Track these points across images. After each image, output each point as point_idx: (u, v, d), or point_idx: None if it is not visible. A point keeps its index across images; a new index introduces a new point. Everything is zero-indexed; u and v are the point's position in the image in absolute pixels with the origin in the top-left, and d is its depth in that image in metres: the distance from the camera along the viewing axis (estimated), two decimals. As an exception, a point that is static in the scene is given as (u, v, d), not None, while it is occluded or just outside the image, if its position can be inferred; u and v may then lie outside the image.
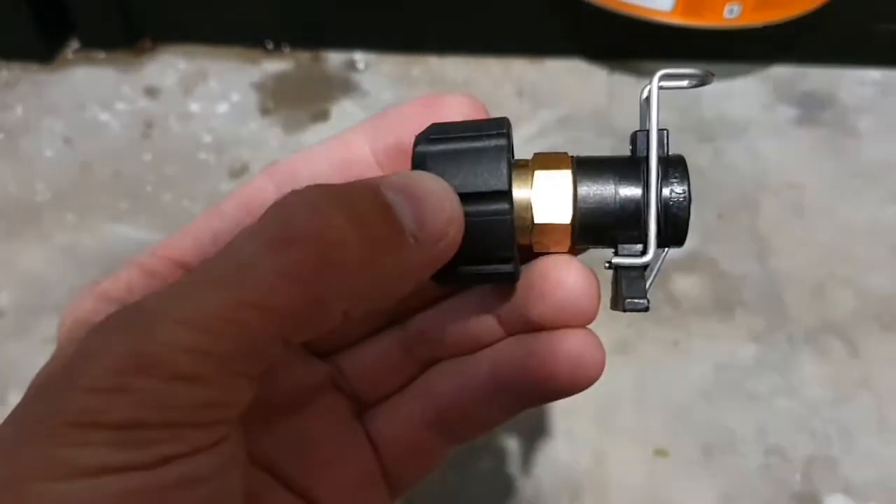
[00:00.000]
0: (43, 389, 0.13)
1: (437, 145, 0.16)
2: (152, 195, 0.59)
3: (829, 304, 0.52)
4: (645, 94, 0.16)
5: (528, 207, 0.16)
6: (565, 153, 0.17)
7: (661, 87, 0.16)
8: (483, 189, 0.16)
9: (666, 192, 0.16)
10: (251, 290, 0.13)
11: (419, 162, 0.16)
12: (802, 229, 0.56)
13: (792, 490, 0.44)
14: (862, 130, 0.63)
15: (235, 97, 0.66)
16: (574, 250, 0.17)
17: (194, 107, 0.65)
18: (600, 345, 0.17)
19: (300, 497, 0.17)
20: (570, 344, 0.16)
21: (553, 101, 0.65)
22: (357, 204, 0.14)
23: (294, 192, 0.14)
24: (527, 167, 0.17)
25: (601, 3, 0.60)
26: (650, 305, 0.16)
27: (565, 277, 0.16)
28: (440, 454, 0.19)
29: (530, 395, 0.17)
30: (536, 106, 0.65)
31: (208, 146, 0.62)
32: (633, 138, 0.17)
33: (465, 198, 0.16)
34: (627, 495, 0.44)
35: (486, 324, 0.18)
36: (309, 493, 0.17)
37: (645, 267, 0.16)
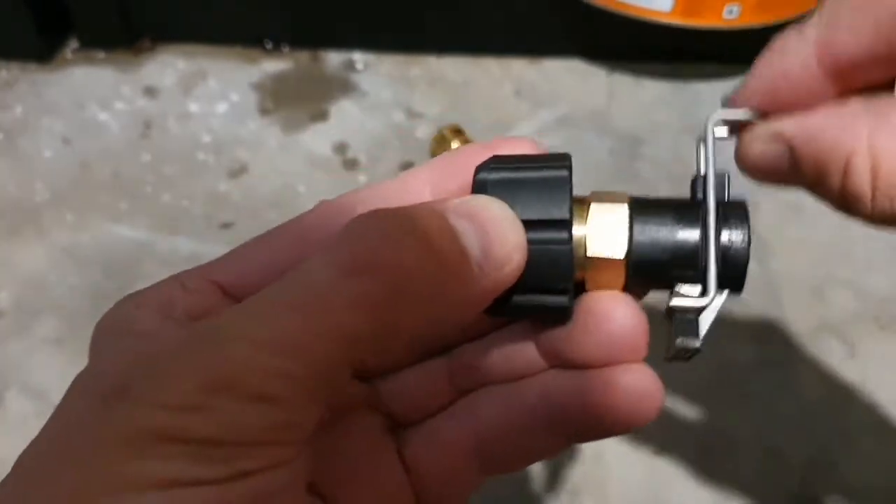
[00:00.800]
0: (109, 400, 0.13)
1: (499, 173, 0.16)
2: (151, 195, 0.59)
3: (827, 304, 0.52)
4: (707, 135, 0.16)
5: (583, 240, 0.16)
6: (623, 192, 0.17)
7: (717, 138, 0.16)
8: (544, 217, 0.15)
9: (725, 235, 0.16)
10: (327, 317, 0.13)
11: (480, 188, 0.16)
12: (801, 230, 0.56)
13: (790, 491, 0.44)
14: (861, 131, 0.63)
15: (234, 97, 0.66)
16: (633, 292, 0.17)
17: (193, 107, 0.65)
18: (658, 380, 0.17)
19: None
20: (629, 379, 0.16)
21: (552, 102, 0.65)
22: (427, 231, 0.14)
23: (365, 218, 0.14)
24: (583, 202, 0.16)
25: (600, 4, 0.60)
26: (702, 348, 0.16)
27: (614, 312, 0.16)
28: (475, 482, 0.18)
29: (585, 430, 0.17)
30: (535, 106, 0.65)
31: (207, 146, 0.62)
32: (693, 182, 0.17)
33: (525, 225, 0.16)
34: (626, 496, 0.44)
35: (532, 357, 0.18)
36: None
37: (700, 311, 0.15)
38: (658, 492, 0.44)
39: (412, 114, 0.64)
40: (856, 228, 0.63)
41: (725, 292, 0.16)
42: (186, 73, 0.68)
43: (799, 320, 0.51)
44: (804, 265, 0.54)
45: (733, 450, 0.46)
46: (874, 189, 0.16)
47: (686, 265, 0.16)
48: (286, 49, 0.70)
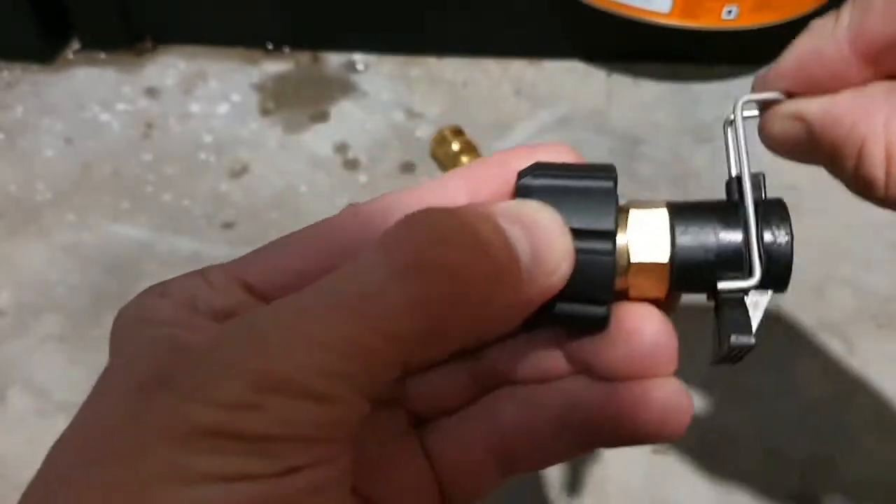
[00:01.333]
0: (151, 395, 0.13)
1: (543, 180, 0.16)
2: (153, 195, 0.59)
3: (827, 303, 0.52)
4: (733, 117, 0.16)
5: (625, 248, 0.16)
6: (661, 199, 0.17)
7: (745, 118, 0.16)
8: (589, 227, 0.15)
9: (768, 234, 0.16)
10: (380, 317, 0.13)
11: (524, 194, 0.16)
12: (800, 229, 0.56)
13: (790, 489, 0.44)
14: (859, 131, 0.64)
15: (235, 98, 0.66)
16: (670, 299, 0.17)
17: (194, 107, 0.65)
18: (688, 395, 0.17)
19: (362, 500, 0.17)
20: (660, 394, 0.16)
21: (551, 102, 0.65)
22: (481, 234, 0.14)
23: (418, 217, 0.14)
24: (622, 210, 0.16)
25: (599, 5, 0.60)
26: (756, 343, 0.15)
27: (644, 326, 0.16)
28: (495, 481, 0.18)
29: (610, 439, 0.17)
30: (535, 106, 0.65)
31: (208, 146, 0.62)
32: (728, 184, 0.17)
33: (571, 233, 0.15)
34: (626, 494, 0.44)
35: (558, 362, 0.18)
36: (367, 497, 0.17)
37: (746, 298, 0.15)
38: (657, 490, 0.44)
39: (412, 114, 0.65)
40: (855, 227, 0.64)
41: (770, 291, 0.16)
42: (187, 74, 0.68)
43: (798, 318, 0.51)
44: (803, 263, 0.54)
45: (733, 448, 0.46)
46: (888, 175, 0.16)
47: (731, 265, 0.16)
48: (287, 50, 0.70)
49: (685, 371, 0.57)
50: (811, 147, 0.18)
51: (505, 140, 0.62)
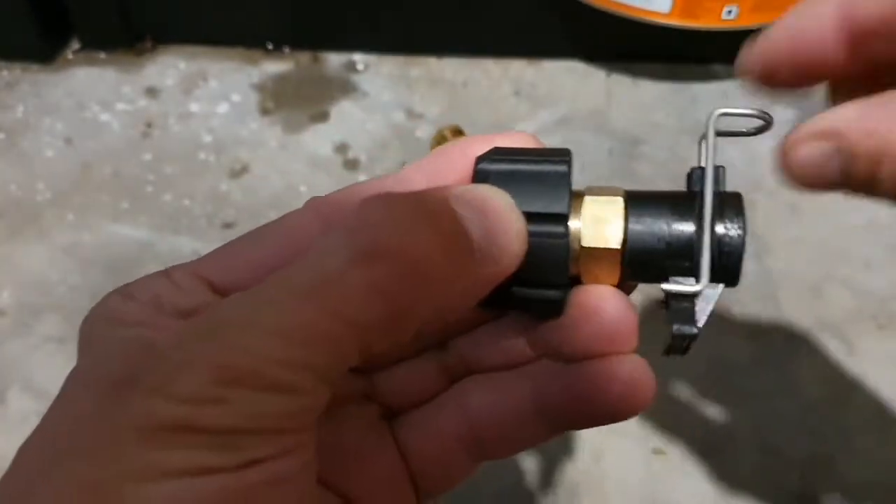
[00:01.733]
0: (117, 393, 0.13)
1: (500, 164, 0.16)
2: (153, 195, 0.59)
3: (825, 303, 0.52)
4: (708, 129, 0.16)
5: (578, 233, 0.16)
6: (619, 187, 0.17)
7: (718, 133, 0.16)
8: (543, 210, 0.16)
9: (720, 227, 0.16)
10: (341, 304, 0.13)
11: (481, 178, 0.16)
12: (799, 229, 0.57)
13: (789, 490, 0.44)
14: (859, 131, 0.64)
15: (235, 97, 0.66)
16: (624, 287, 0.17)
17: (194, 107, 0.65)
18: (649, 369, 0.17)
19: (336, 494, 0.18)
20: (621, 370, 0.16)
21: (551, 102, 0.65)
22: (437, 218, 0.14)
23: (375, 203, 0.14)
24: (579, 196, 0.17)
25: (599, 5, 0.60)
26: (700, 334, 0.15)
27: (604, 304, 0.16)
28: (467, 469, 0.19)
29: (576, 419, 0.17)
30: (534, 107, 0.65)
31: (208, 146, 0.62)
32: (690, 175, 0.17)
33: (524, 217, 0.16)
34: (625, 494, 0.44)
35: (523, 348, 0.18)
36: (339, 490, 0.18)
37: (694, 298, 0.15)
38: (656, 491, 0.44)
39: (412, 114, 0.65)
40: (854, 227, 0.63)
41: (721, 285, 0.16)
42: (187, 74, 0.68)
43: (797, 319, 0.51)
44: (802, 264, 0.54)
45: (732, 448, 0.46)
46: None
47: (681, 256, 0.16)
48: (287, 50, 0.70)
49: (684, 374, 0.56)
50: (844, 167, 0.17)
51: (505, 140, 0.62)
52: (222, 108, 0.65)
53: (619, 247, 0.16)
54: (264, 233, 0.17)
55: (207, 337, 0.13)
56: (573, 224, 0.16)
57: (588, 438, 0.46)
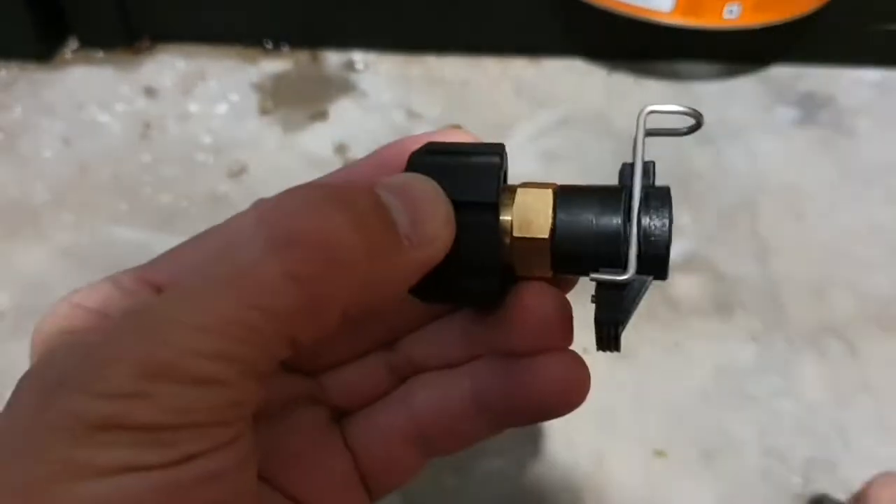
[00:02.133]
0: (49, 394, 0.13)
1: (432, 156, 0.17)
2: (151, 196, 0.59)
3: (828, 305, 0.52)
4: (638, 128, 0.16)
5: (509, 223, 0.16)
6: (553, 182, 0.17)
7: (649, 132, 0.16)
8: (471, 199, 0.16)
9: (646, 220, 0.16)
10: (258, 293, 0.13)
11: (412, 169, 0.16)
12: (801, 231, 0.56)
13: (791, 492, 0.44)
14: (860, 131, 0.64)
15: (234, 97, 0.66)
16: (556, 279, 0.17)
17: (193, 107, 0.65)
18: (584, 366, 0.17)
19: (285, 497, 0.18)
20: (553, 367, 0.16)
21: (552, 102, 0.65)
22: (355, 204, 0.14)
23: (292, 191, 0.14)
24: (512, 189, 0.17)
25: (600, 4, 0.60)
26: (621, 325, 0.15)
27: (538, 302, 0.16)
28: (417, 465, 0.19)
29: (515, 416, 0.17)
30: (535, 106, 0.65)
31: (207, 147, 0.62)
32: (621, 171, 0.17)
33: (454, 207, 0.16)
34: (627, 497, 0.44)
35: (465, 346, 0.18)
36: (290, 493, 0.18)
37: (621, 288, 0.16)
38: (657, 493, 0.44)
39: (412, 114, 0.64)
40: (856, 229, 0.63)
41: (650, 277, 0.16)
42: (186, 74, 0.68)
43: (800, 321, 0.51)
44: (805, 266, 0.54)
45: (734, 450, 0.46)
46: None
47: (608, 247, 0.16)
48: (286, 49, 0.69)
49: (688, 376, 0.56)
50: None
51: (505, 140, 0.62)
52: (221, 108, 0.65)
53: (547, 236, 0.16)
54: (208, 235, 0.18)
55: (132, 333, 0.13)
56: (505, 215, 0.16)
57: (589, 441, 0.46)
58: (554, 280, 0.17)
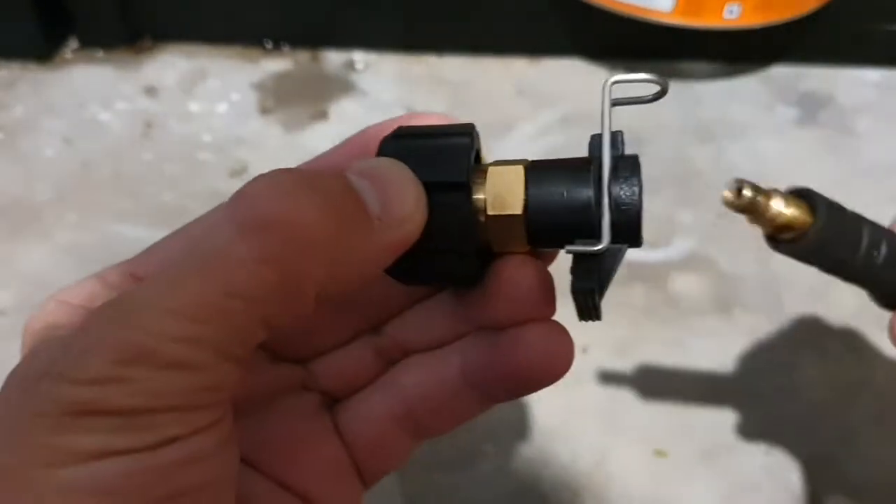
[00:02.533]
0: (30, 384, 0.13)
1: (402, 140, 0.17)
2: (153, 194, 0.59)
3: (828, 304, 0.52)
4: (603, 97, 0.17)
5: (482, 201, 0.16)
6: (524, 159, 0.17)
7: (614, 102, 0.17)
8: (442, 180, 0.16)
9: (617, 189, 0.16)
10: (229, 277, 0.13)
11: (381, 154, 0.17)
12: (802, 229, 0.56)
13: (793, 491, 0.44)
14: (861, 131, 0.64)
15: (235, 96, 0.66)
16: (535, 254, 0.17)
17: (194, 106, 0.65)
18: (566, 334, 0.17)
19: (277, 485, 0.18)
20: (533, 335, 0.17)
21: (553, 101, 0.65)
22: (324, 187, 0.15)
23: (261, 177, 0.15)
24: (485, 168, 0.17)
25: (601, 3, 0.60)
26: (597, 292, 0.16)
27: (518, 275, 0.17)
28: (408, 447, 0.19)
29: (501, 389, 0.17)
30: (536, 106, 0.65)
31: (208, 145, 0.62)
32: (590, 143, 0.17)
33: (427, 189, 0.16)
34: (627, 496, 0.44)
35: (451, 325, 0.18)
36: (281, 480, 0.18)
37: (596, 257, 0.16)
38: (659, 492, 0.44)
39: (413, 113, 0.64)
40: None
41: (625, 246, 0.16)
42: (187, 73, 0.68)
43: (800, 320, 0.51)
44: (805, 265, 0.54)
45: (735, 449, 0.46)
46: None
47: (581, 219, 0.16)
48: (286, 48, 0.70)
49: (688, 374, 0.56)
50: None
51: (506, 139, 0.62)
52: (222, 107, 0.65)
53: (520, 212, 0.16)
54: (190, 226, 0.18)
55: (108, 321, 0.13)
56: (479, 194, 0.17)
57: (590, 440, 0.46)
58: (532, 254, 0.17)
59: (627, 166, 0.16)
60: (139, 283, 0.17)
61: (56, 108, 0.65)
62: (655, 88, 0.17)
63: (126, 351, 0.13)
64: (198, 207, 0.65)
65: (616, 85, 0.17)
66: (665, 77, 0.17)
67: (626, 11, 0.59)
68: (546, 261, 0.18)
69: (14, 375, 0.14)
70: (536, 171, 0.17)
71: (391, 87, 0.66)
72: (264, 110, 0.65)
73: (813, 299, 0.52)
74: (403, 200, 0.15)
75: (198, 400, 0.13)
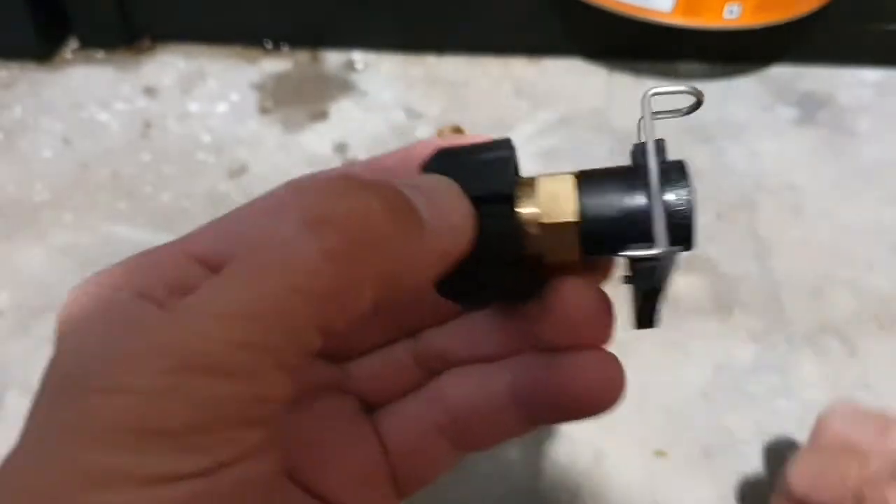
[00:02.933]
0: (74, 392, 0.12)
1: (445, 159, 0.17)
2: (151, 195, 0.59)
3: (827, 304, 0.52)
4: (644, 110, 0.17)
5: (534, 212, 0.16)
6: (570, 172, 0.18)
7: (654, 115, 0.17)
8: (488, 192, 0.16)
9: (668, 195, 0.16)
10: (293, 272, 0.13)
11: (427, 173, 0.17)
12: (801, 230, 0.56)
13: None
14: (860, 131, 0.64)
15: (234, 97, 0.66)
16: (591, 272, 0.17)
17: (193, 106, 0.65)
18: (620, 366, 0.17)
19: (306, 490, 0.17)
20: (590, 363, 0.16)
21: (552, 101, 0.65)
22: (379, 189, 0.15)
23: (319, 177, 0.15)
24: (532, 180, 0.17)
25: (600, 3, 0.60)
26: (661, 296, 0.16)
27: (579, 297, 0.16)
28: (450, 461, 0.18)
29: (549, 413, 0.17)
30: (535, 106, 0.65)
31: (207, 146, 0.62)
32: (633, 152, 0.17)
33: (474, 203, 0.16)
34: (626, 496, 0.44)
35: (499, 339, 0.18)
36: (314, 487, 0.17)
37: (654, 261, 0.16)
38: (657, 492, 0.44)
39: (412, 113, 0.64)
40: (856, 228, 0.63)
41: (678, 248, 0.16)
42: (186, 73, 0.68)
43: (799, 320, 0.51)
44: (804, 265, 0.54)
45: (734, 449, 0.46)
46: None
47: (636, 225, 0.16)
48: (286, 49, 0.70)
49: (687, 374, 0.56)
50: None
51: (505, 139, 0.62)
52: (221, 107, 0.65)
53: (575, 219, 0.16)
54: (245, 207, 0.17)
55: (162, 325, 0.13)
56: (529, 207, 0.17)
57: (589, 440, 0.46)
58: (582, 265, 0.17)
59: (676, 171, 0.16)
60: (202, 266, 0.16)
61: (54, 109, 0.65)
62: (691, 99, 0.18)
63: (182, 358, 0.12)
64: (196, 208, 0.65)
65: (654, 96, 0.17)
66: (697, 89, 0.17)
67: (625, 11, 0.59)
68: (598, 279, 0.18)
69: (51, 377, 0.13)
70: (587, 179, 0.17)
71: (391, 87, 0.66)
72: (264, 110, 0.65)
73: (811, 299, 0.52)
74: (453, 210, 0.15)
75: (252, 413, 0.13)
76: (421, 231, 0.15)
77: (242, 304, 0.13)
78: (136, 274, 0.15)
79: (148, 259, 0.16)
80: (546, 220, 0.16)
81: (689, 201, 0.16)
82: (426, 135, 0.62)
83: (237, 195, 0.58)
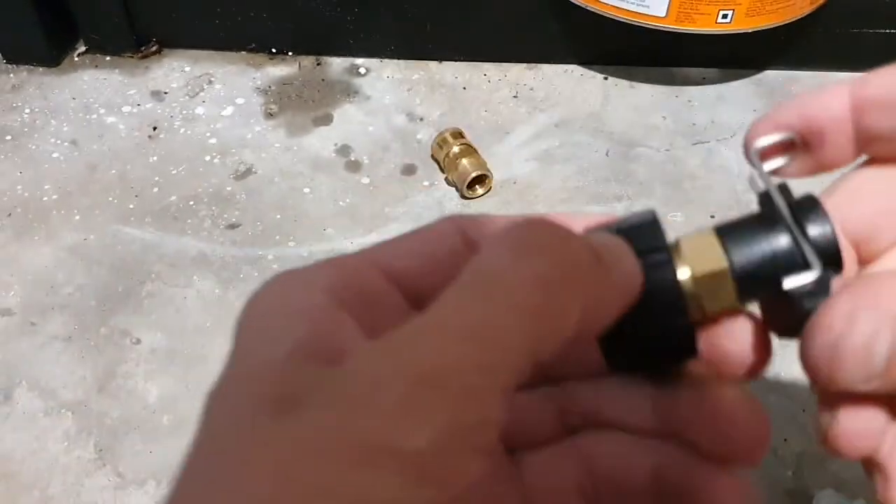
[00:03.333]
0: (294, 406, 0.12)
1: (596, 230, 0.17)
2: (158, 196, 0.60)
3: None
4: (756, 167, 0.18)
5: (687, 269, 0.17)
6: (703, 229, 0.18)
7: (765, 171, 0.18)
8: (645, 247, 0.17)
9: (811, 228, 0.17)
10: (511, 298, 0.13)
11: None
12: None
13: (783, 486, 0.45)
14: (853, 134, 0.65)
15: (240, 101, 0.67)
16: (745, 312, 0.18)
17: (199, 110, 0.66)
18: (756, 496, 0.17)
19: None
20: (731, 489, 0.16)
21: (549, 105, 0.66)
22: (573, 231, 0.15)
23: (525, 216, 0.15)
24: (675, 243, 0.18)
25: (596, 9, 0.61)
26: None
27: (739, 412, 0.16)
28: None
29: None
30: (533, 110, 0.66)
31: (213, 148, 0.63)
32: (760, 201, 0.18)
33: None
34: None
35: (648, 416, 0.18)
36: None
37: (819, 290, 0.17)
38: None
39: (413, 117, 0.66)
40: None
41: (832, 273, 0.17)
42: (192, 78, 0.69)
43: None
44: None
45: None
46: None
47: (786, 262, 0.17)
48: (290, 54, 0.71)
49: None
50: None
51: (503, 143, 0.63)
52: (227, 111, 0.66)
53: (726, 265, 0.17)
54: (427, 228, 0.18)
55: (402, 345, 0.13)
56: (679, 265, 0.17)
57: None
58: (742, 312, 0.18)
59: (809, 204, 0.17)
60: (389, 286, 0.16)
61: (63, 112, 0.66)
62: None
63: (424, 378, 0.12)
64: (203, 209, 0.66)
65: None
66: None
67: (621, 16, 0.60)
68: (753, 373, 0.18)
69: (250, 383, 0.13)
70: (726, 229, 0.18)
71: (393, 92, 0.68)
72: (269, 114, 0.66)
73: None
74: (625, 255, 0.16)
75: (482, 438, 0.12)
76: (609, 270, 0.15)
77: (474, 325, 0.13)
78: (334, 280, 0.15)
79: (341, 269, 0.16)
80: (699, 272, 0.17)
81: (831, 228, 0.17)
82: (427, 138, 0.63)
83: (243, 196, 0.59)
